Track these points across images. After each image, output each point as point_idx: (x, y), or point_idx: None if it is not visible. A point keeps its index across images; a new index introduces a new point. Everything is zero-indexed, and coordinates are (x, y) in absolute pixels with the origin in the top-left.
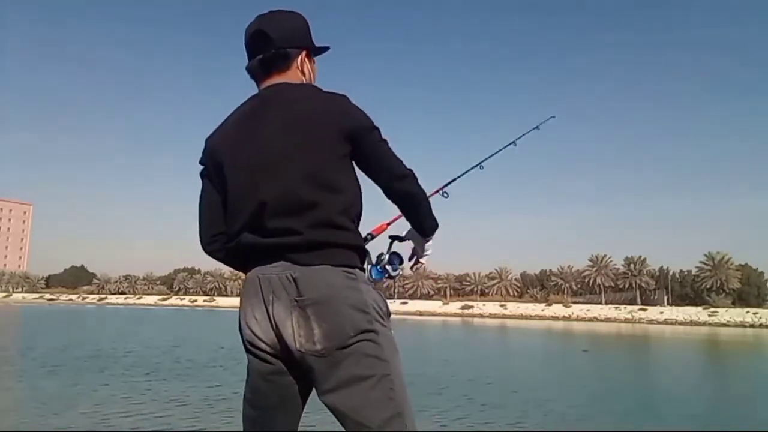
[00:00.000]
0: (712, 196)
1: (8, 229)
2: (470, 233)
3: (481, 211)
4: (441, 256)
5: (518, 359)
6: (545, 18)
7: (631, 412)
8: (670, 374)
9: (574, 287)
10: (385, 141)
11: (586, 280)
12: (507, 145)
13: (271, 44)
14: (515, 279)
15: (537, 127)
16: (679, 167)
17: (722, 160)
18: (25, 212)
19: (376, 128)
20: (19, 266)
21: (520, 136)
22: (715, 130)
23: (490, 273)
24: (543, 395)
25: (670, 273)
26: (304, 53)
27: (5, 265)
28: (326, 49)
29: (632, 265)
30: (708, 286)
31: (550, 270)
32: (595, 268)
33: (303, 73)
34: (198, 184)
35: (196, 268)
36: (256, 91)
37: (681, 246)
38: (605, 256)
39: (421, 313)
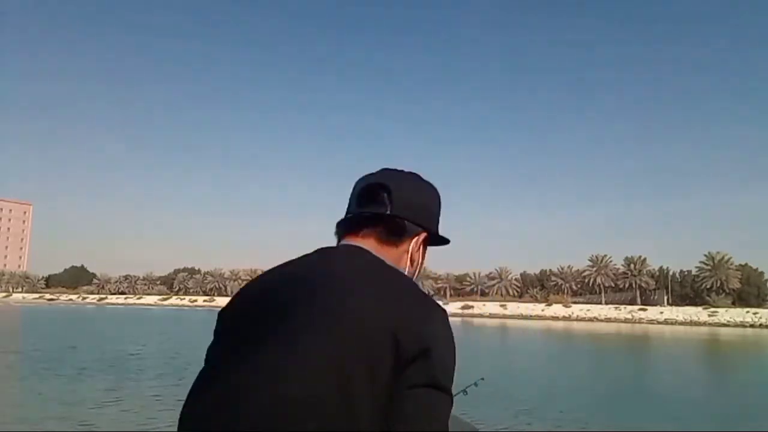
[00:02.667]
0: (712, 196)
1: (8, 229)
2: (470, 233)
3: (481, 211)
4: (441, 256)
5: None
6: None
7: (633, 411)
8: (670, 375)
9: (574, 287)
10: (440, 411)
11: (586, 280)
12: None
13: (391, 206)
14: (515, 279)
15: (464, 391)
16: (680, 167)
17: (723, 160)
18: (25, 212)
19: (444, 386)
20: (19, 266)
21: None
22: (715, 130)
23: (490, 273)
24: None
25: (670, 273)
26: (423, 236)
27: (5, 265)
28: (446, 242)
29: (632, 265)
30: (708, 286)
31: (550, 270)
32: (595, 268)
33: (412, 260)
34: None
35: (196, 268)
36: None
37: (681, 246)
38: (605, 256)
39: None
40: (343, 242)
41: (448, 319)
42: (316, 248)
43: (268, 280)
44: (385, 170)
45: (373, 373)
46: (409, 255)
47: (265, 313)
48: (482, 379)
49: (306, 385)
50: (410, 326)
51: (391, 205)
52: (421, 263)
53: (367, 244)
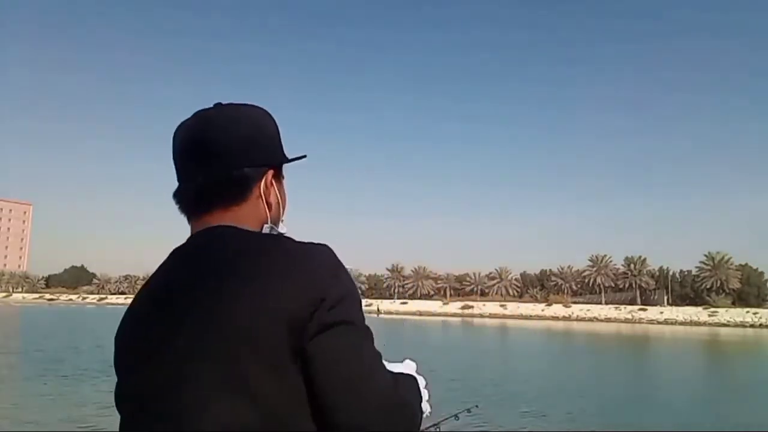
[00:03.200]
0: (712, 196)
1: (8, 229)
2: (470, 233)
3: (482, 211)
4: (441, 256)
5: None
6: (546, 6)
7: (635, 412)
8: (672, 375)
9: (574, 287)
10: (364, 340)
11: (586, 280)
12: (429, 427)
13: (219, 162)
14: (515, 279)
15: (456, 416)
16: (679, 167)
17: (722, 160)
18: (25, 212)
19: (352, 321)
20: (19, 266)
21: (441, 421)
22: (715, 130)
23: (490, 273)
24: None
25: (670, 273)
26: (270, 174)
27: (5, 265)
28: (300, 158)
29: (632, 265)
30: (708, 286)
31: (550, 270)
32: (595, 268)
33: (269, 205)
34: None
35: None
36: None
37: (681, 246)
38: (605, 256)
39: (421, 313)
40: (194, 227)
41: (328, 253)
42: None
43: (141, 315)
44: (197, 115)
45: (281, 375)
46: (264, 200)
47: (153, 361)
48: (476, 406)
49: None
50: (295, 298)
51: (218, 159)
52: (282, 199)
53: (217, 218)
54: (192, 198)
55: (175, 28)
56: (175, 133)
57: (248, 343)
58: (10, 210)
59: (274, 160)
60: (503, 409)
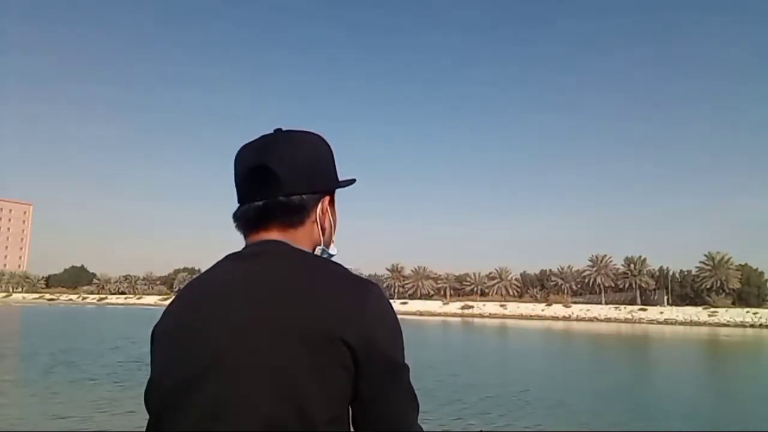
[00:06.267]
0: (712, 196)
1: (8, 229)
2: (470, 233)
3: (482, 211)
4: (441, 256)
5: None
6: None
7: (634, 412)
8: (671, 375)
9: (574, 287)
10: (405, 384)
11: (586, 280)
12: None
13: (280, 188)
14: (515, 279)
15: None
16: (680, 167)
17: (722, 160)
18: (25, 212)
19: (400, 362)
20: (19, 266)
21: None
22: (715, 129)
23: (490, 273)
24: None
25: (670, 273)
26: (326, 200)
27: (5, 265)
28: (351, 182)
29: (632, 265)
30: (708, 286)
31: (550, 270)
32: (595, 268)
33: (322, 229)
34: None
35: (196, 268)
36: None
37: (681, 246)
38: (605, 256)
39: (421, 313)
40: (250, 242)
41: (381, 293)
42: (225, 256)
43: (186, 308)
44: (260, 141)
45: (323, 379)
46: (318, 225)
47: (195, 351)
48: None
49: (261, 416)
50: (350, 320)
51: (280, 185)
52: (334, 223)
53: (274, 236)
54: (251, 217)
55: (177, 37)
56: (239, 157)
57: (303, 347)
58: (10, 210)
59: (330, 186)
60: (509, 410)
